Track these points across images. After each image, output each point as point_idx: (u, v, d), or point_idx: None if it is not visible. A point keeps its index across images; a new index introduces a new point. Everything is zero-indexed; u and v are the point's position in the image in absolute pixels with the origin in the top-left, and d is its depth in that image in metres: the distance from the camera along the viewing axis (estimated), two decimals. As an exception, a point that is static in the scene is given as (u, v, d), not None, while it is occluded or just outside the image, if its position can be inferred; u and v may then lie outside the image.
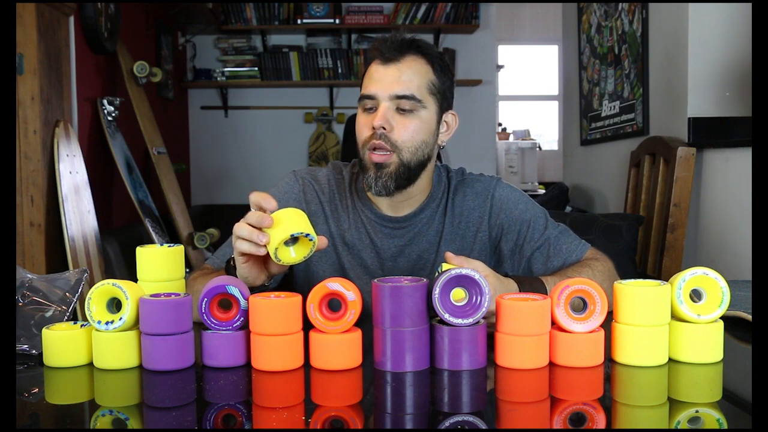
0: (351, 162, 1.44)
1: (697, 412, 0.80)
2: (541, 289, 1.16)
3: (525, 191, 5.86)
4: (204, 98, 4.83)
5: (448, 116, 1.35)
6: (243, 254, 1.04)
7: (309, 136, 4.85)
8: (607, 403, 0.85)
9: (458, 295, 0.95)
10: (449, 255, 1.10)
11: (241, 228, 1.01)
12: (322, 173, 1.41)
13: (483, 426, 0.76)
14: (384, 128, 1.25)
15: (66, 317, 1.07)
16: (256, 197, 1.03)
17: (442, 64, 1.32)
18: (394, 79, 1.26)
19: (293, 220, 1.00)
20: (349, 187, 1.39)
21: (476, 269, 0.97)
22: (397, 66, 1.27)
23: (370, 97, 1.27)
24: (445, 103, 1.33)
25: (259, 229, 1.00)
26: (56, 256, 2.30)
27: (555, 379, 0.90)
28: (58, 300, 1.08)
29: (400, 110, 1.26)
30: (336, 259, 1.37)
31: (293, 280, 1.41)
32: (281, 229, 0.98)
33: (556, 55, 6.32)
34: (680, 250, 2.35)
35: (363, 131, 1.29)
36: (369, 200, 1.36)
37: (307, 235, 1.00)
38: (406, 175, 1.28)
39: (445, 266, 1.07)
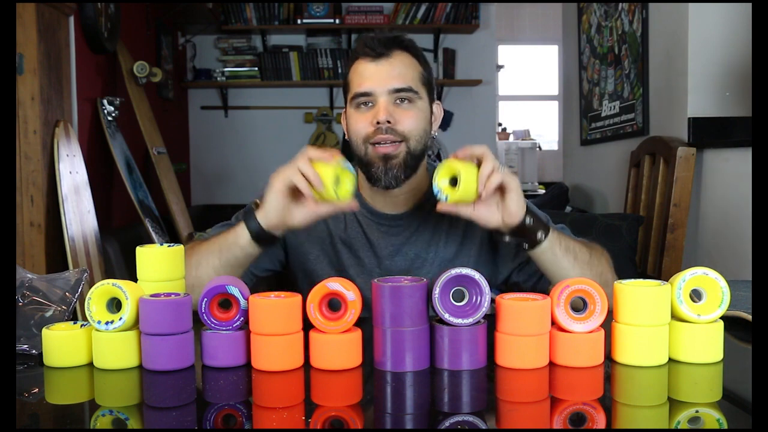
0: None
1: (697, 412, 0.80)
2: (537, 225, 1.16)
3: (525, 191, 5.85)
4: (204, 98, 4.83)
5: (434, 107, 1.37)
6: (288, 189, 1.13)
7: (309, 136, 4.85)
8: (607, 403, 0.85)
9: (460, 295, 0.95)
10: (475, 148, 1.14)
11: (305, 167, 1.10)
12: None
13: (483, 426, 0.76)
14: (389, 122, 1.25)
15: (66, 317, 1.07)
16: (315, 153, 1.12)
17: (425, 58, 1.35)
18: (388, 74, 1.27)
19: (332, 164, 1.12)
20: None
21: (482, 152, 1.09)
22: (389, 61, 1.28)
23: (366, 94, 1.27)
24: (432, 94, 1.35)
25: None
26: (56, 256, 2.30)
27: (555, 379, 0.90)
28: (58, 300, 1.08)
29: (399, 103, 1.27)
30: (335, 257, 1.37)
31: (293, 278, 1.41)
32: (331, 166, 1.11)
33: (556, 55, 6.32)
34: (680, 250, 2.35)
35: (362, 128, 1.28)
36: (365, 199, 1.37)
37: (348, 167, 1.13)
38: (413, 165, 1.29)
39: (444, 164, 1.11)
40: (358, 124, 1.28)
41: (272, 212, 1.14)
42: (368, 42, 1.29)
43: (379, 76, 1.27)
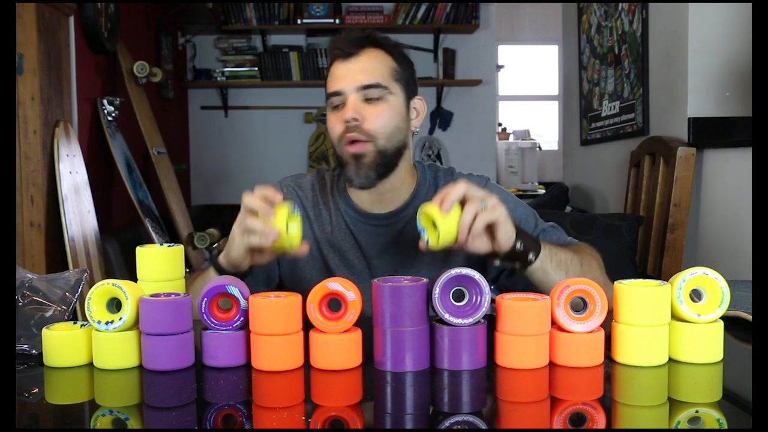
0: (333, 166, 1.45)
1: (697, 412, 0.80)
2: (532, 245, 1.15)
3: (525, 191, 5.76)
4: (204, 98, 4.83)
5: (416, 102, 1.36)
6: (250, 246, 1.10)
7: (309, 136, 4.85)
8: (607, 403, 0.85)
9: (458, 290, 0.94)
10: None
11: (253, 222, 1.07)
12: (306, 179, 1.43)
13: (483, 426, 0.76)
14: (356, 119, 1.26)
15: (66, 317, 1.07)
16: (259, 193, 1.09)
17: (401, 53, 1.34)
18: (357, 71, 1.27)
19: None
20: (332, 189, 1.40)
21: (461, 194, 1.05)
22: (358, 59, 1.28)
23: (337, 94, 1.28)
24: (410, 89, 1.34)
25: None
26: (56, 256, 2.30)
27: (555, 379, 0.90)
28: (58, 300, 1.08)
29: (369, 100, 1.27)
30: (322, 262, 1.37)
31: (282, 284, 1.41)
32: (282, 214, 1.07)
33: (556, 55, 6.31)
34: (680, 250, 2.35)
35: (335, 128, 1.29)
36: (351, 199, 1.37)
37: (292, 210, 1.11)
38: (384, 163, 1.29)
39: (423, 210, 1.08)
40: (332, 124, 1.30)
41: (237, 261, 1.14)
42: (338, 43, 1.30)
43: (348, 74, 1.28)
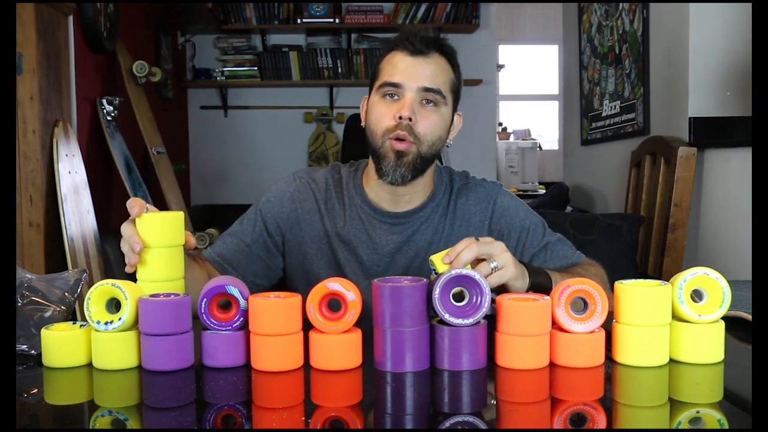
0: (349, 162, 1.45)
1: (698, 412, 0.79)
2: (545, 282, 1.17)
3: (525, 191, 5.74)
4: (203, 98, 4.83)
5: (456, 117, 1.38)
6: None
7: (309, 136, 4.85)
8: (608, 403, 0.84)
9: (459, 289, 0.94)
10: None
11: (123, 245, 1.01)
12: (320, 173, 1.43)
13: (483, 426, 0.76)
14: (411, 119, 1.26)
15: (65, 317, 1.06)
16: (128, 203, 1.01)
17: (458, 66, 1.35)
18: (423, 72, 1.27)
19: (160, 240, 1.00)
20: (347, 185, 1.40)
21: (475, 254, 1.03)
22: (426, 60, 1.28)
23: (396, 85, 1.27)
24: (457, 102, 1.36)
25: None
26: (55, 256, 2.30)
27: (555, 380, 0.89)
28: (57, 300, 1.07)
29: (426, 103, 1.28)
30: (331, 255, 1.37)
31: (289, 276, 1.41)
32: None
33: (556, 55, 6.31)
34: (681, 250, 2.35)
35: (384, 119, 1.28)
36: (368, 196, 1.37)
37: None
38: (421, 168, 1.30)
39: (435, 262, 1.08)
40: (382, 114, 1.29)
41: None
42: (410, 36, 1.29)
43: (413, 71, 1.27)
